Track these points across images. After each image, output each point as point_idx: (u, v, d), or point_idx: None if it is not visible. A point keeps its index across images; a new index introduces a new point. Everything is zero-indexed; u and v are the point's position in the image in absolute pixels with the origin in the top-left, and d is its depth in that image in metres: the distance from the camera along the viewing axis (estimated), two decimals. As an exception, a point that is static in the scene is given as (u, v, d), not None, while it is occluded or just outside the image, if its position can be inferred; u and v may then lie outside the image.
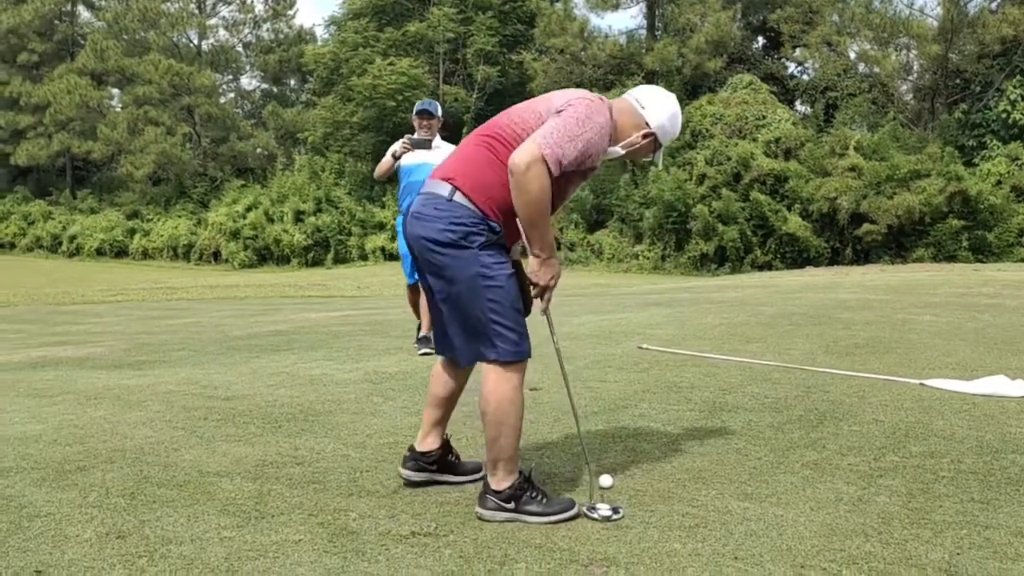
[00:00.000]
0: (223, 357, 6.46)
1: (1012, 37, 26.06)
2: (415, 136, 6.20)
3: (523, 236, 2.78)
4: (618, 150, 2.91)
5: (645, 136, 2.92)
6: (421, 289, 6.41)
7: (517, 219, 2.74)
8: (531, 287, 2.85)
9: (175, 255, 39.10)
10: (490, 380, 2.76)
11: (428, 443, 3.07)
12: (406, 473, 3.07)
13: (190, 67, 43.24)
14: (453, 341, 2.88)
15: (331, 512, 2.80)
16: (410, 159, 6.19)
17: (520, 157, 2.63)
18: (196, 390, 4.99)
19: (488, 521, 2.73)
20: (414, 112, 6.39)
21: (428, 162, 6.10)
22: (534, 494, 2.76)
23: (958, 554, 2.42)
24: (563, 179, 2.75)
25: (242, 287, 20.58)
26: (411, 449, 3.12)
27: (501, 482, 2.76)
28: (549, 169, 2.64)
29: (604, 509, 2.75)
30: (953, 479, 3.09)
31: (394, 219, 32.46)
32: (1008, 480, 3.07)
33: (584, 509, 2.78)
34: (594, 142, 2.74)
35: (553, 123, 2.69)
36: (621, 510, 2.78)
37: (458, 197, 2.74)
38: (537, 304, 2.90)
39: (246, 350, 6.85)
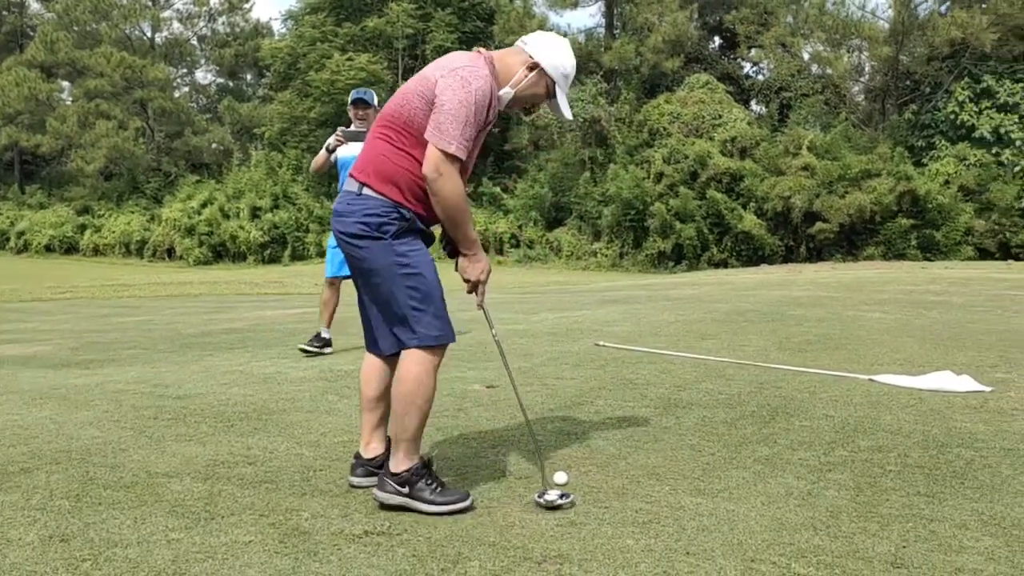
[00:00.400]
0: (175, 355, 6.36)
1: (960, 40, 26.68)
2: (348, 128, 6.15)
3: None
4: (508, 91, 2.90)
5: (530, 68, 2.91)
6: (335, 287, 6.42)
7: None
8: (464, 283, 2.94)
9: (127, 252, 38.40)
10: (407, 361, 2.82)
11: (373, 448, 3.06)
12: (356, 480, 3.05)
13: (143, 60, 42.47)
14: (378, 334, 2.93)
15: (283, 512, 2.76)
16: (345, 152, 6.14)
17: (428, 167, 2.71)
18: (146, 389, 4.90)
19: (383, 503, 2.77)
20: (349, 101, 6.34)
21: None
22: (430, 482, 2.79)
23: (904, 547, 2.46)
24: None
25: (196, 284, 20.26)
26: (357, 456, 3.10)
27: (400, 464, 2.80)
28: (458, 158, 2.71)
29: (552, 495, 2.79)
30: (900, 473, 3.15)
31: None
32: (953, 474, 3.14)
33: (534, 497, 2.82)
34: (480, 106, 2.75)
35: (437, 117, 2.71)
36: (571, 495, 2.82)
37: (366, 191, 2.82)
38: (473, 299, 2.98)
39: (199, 348, 6.75)
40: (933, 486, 3.00)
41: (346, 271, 6.29)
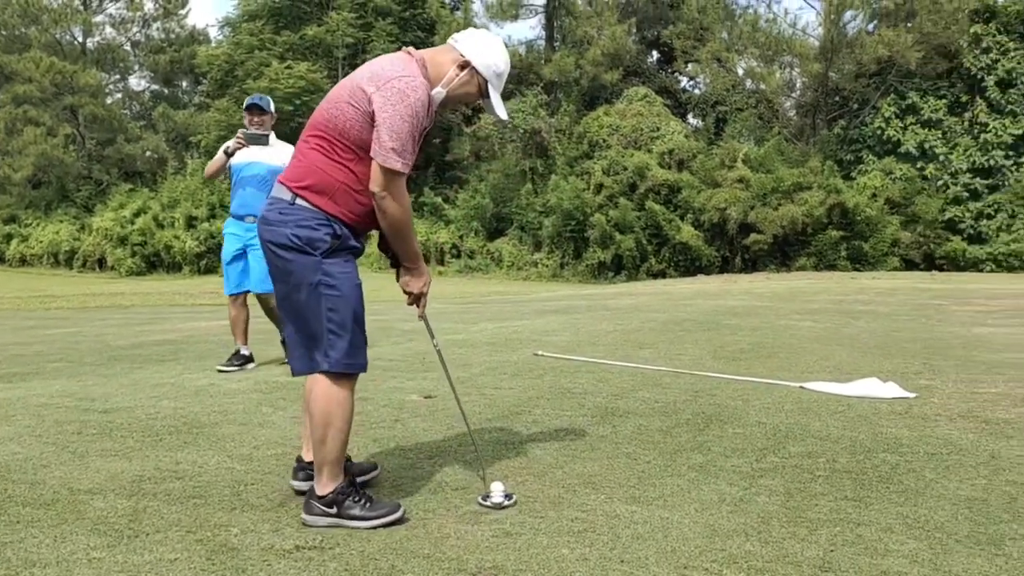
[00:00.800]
0: (103, 368, 6.18)
1: (887, 57, 27.58)
2: (249, 131, 5.91)
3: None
4: (440, 91, 2.85)
5: (461, 67, 2.87)
6: (239, 303, 6.15)
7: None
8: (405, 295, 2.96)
9: (56, 262, 37.25)
10: (320, 385, 2.77)
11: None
12: (298, 485, 3.01)
13: (74, 66, 41.32)
14: (292, 351, 2.88)
15: (211, 528, 2.69)
16: (242, 156, 5.95)
17: (375, 185, 2.69)
18: (71, 403, 4.74)
19: (311, 527, 2.72)
20: (244, 107, 6.09)
21: (260, 160, 5.90)
22: (357, 498, 2.77)
23: (832, 551, 2.51)
24: None
25: (128, 295, 19.73)
26: (299, 460, 3.08)
27: (325, 486, 2.76)
28: (404, 174, 2.70)
29: (496, 496, 2.87)
30: (828, 478, 3.21)
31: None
32: (879, 478, 3.21)
33: (479, 498, 2.90)
34: (420, 115, 2.73)
35: (380, 134, 2.66)
36: (513, 496, 2.92)
37: (300, 201, 2.76)
38: (415, 310, 3.01)
39: (128, 360, 6.57)
40: (860, 490, 3.06)
41: (247, 286, 6.12)
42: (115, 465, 3.41)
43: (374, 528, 2.70)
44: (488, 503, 2.86)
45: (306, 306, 2.74)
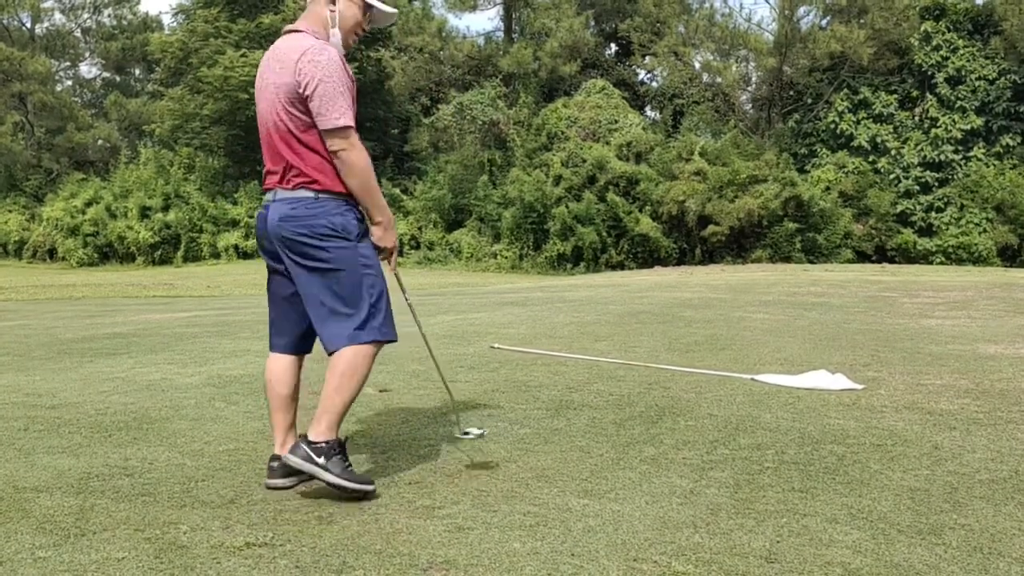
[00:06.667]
0: (51, 362, 6.05)
1: (840, 53, 28.02)
2: None
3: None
4: (336, 33, 2.99)
5: (332, 1, 2.99)
6: None
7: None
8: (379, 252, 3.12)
9: (4, 252, 36.38)
10: (349, 349, 2.90)
11: (290, 447, 3.03)
12: (277, 482, 3.03)
13: (22, 52, 40.28)
14: (326, 332, 2.95)
15: (160, 526, 2.66)
16: None
17: (334, 146, 2.87)
18: (17, 398, 4.64)
19: (291, 466, 2.88)
20: None
21: None
22: (344, 460, 2.89)
23: (778, 542, 2.56)
24: None
25: (79, 287, 19.32)
26: (275, 458, 3.08)
27: (322, 434, 2.88)
28: (352, 127, 2.86)
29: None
30: (776, 469, 3.27)
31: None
32: (826, 469, 3.28)
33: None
34: (340, 70, 2.87)
35: (316, 106, 2.83)
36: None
37: (323, 195, 2.90)
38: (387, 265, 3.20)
39: (78, 354, 6.45)
40: (807, 482, 3.13)
41: None
42: (62, 462, 3.36)
43: (346, 489, 2.82)
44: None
45: (348, 287, 2.90)
